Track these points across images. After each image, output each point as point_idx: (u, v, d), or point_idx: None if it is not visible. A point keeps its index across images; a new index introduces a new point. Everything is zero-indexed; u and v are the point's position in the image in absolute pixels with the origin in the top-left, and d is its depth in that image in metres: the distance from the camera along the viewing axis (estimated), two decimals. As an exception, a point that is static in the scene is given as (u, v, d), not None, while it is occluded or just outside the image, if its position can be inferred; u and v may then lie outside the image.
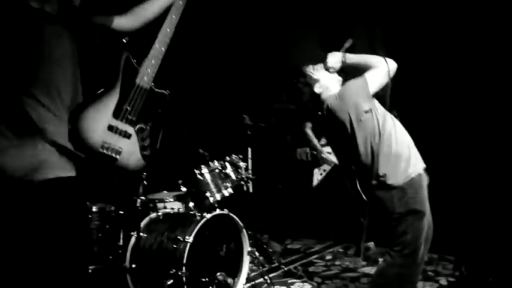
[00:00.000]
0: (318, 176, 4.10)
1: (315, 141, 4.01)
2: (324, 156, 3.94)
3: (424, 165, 2.36)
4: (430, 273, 3.39)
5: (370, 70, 2.32)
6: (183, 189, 3.25)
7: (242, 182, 3.35)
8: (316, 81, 2.47)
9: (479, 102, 3.93)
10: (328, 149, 3.93)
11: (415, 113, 3.84)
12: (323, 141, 3.92)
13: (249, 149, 3.68)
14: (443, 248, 3.62)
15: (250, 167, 3.62)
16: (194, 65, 4.27)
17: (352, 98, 2.31)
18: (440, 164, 2.56)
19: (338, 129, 2.37)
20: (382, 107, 2.36)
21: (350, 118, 2.30)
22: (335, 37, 4.13)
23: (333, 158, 3.88)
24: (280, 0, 4.69)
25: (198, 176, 3.16)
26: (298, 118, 4.10)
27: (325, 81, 2.46)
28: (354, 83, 2.34)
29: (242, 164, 3.40)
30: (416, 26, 4.14)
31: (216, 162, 3.26)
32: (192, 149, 3.44)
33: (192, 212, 3.08)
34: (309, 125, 3.94)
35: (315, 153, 4.00)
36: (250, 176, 3.48)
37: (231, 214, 3.11)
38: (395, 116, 2.43)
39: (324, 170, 4.11)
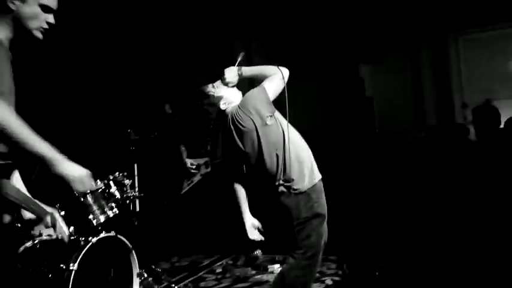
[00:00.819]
0: (185, 185, 4.23)
1: (185, 155, 4.13)
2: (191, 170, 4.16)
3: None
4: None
5: (267, 79, 2.46)
6: (61, 213, 2.99)
7: (128, 201, 3.21)
8: (220, 98, 2.52)
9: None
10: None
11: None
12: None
13: (135, 165, 3.54)
14: (326, 248, 3.94)
15: (136, 184, 3.48)
16: (73, 78, 3.99)
17: (252, 104, 2.42)
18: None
19: (244, 140, 2.44)
20: (281, 115, 2.51)
21: (255, 125, 2.40)
22: (221, 52, 4.26)
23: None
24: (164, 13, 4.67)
25: (78, 197, 2.95)
26: (185, 129, 4.13)
27: (228, 96, 2.53)
28: (253, 92, 2.46)
29: (127, 182, 3.26)
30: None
31: (98, 182, 3.07)
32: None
33: (73, 237, 2.86)
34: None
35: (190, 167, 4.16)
36: (137, 194, 3.35)
37: (119, 236, 2.96)
38: None
39: (192, 181, 4.25)
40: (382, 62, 7.10)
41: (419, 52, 7.00)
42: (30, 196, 1.99)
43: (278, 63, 2.56)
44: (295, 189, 2.40)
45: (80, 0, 3.58)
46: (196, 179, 4.21)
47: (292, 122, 2.53)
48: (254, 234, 2.62)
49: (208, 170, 4.24)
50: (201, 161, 4.26)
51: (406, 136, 6.69)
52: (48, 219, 2.03)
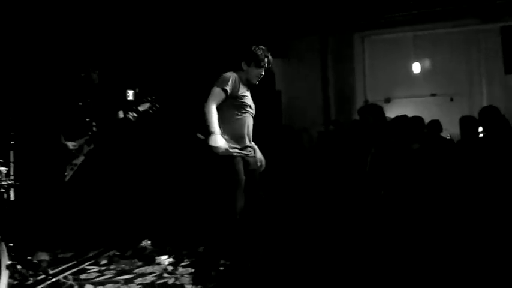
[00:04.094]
0: (68, 171, 4.24)
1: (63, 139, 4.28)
2: None
3: None
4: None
5: None
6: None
7: (1, 189, 3.20)
8: None
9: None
10: None
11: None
12: None
13: (11, 152, 3.47)
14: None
15: (12, 171, 3.43)
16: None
17: None
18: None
19: None
20: None
21: None
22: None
23: None
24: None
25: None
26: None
27: None
28: None
29: (2, 169, 3.24)
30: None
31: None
32: None
33: None
34: None
35: None
36: (12, 182, 3.34)
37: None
38: None
39: (75, 164, 4.26)
40: (292, 56, 7.47)
41: (327, 49, 7.46)
42: None
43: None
44: None
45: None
46: (80, 160, 4.25)
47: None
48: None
49: (91, 147, 4.30)
50: (82, 140, 4.29)
51: (311, 130, 7.15)
52: None
